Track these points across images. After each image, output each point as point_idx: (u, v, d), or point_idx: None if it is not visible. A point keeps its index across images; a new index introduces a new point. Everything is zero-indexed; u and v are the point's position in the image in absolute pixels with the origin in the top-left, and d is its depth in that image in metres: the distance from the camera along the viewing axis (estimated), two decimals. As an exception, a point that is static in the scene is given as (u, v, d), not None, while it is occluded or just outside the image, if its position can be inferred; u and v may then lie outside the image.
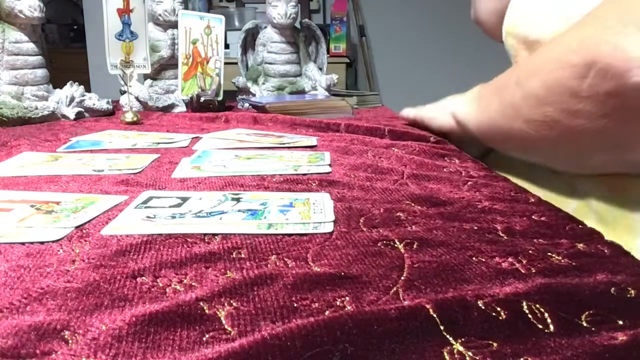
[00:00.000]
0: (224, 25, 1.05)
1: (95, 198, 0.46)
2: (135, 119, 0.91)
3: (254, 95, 1.18)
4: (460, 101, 0.68)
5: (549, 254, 0.35)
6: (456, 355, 0.25)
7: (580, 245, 0.36)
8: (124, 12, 0.91)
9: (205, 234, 0.38)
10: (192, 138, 0.77)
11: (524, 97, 0.51)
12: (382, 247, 0.36)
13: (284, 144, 0.71)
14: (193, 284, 0.31)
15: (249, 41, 1.23)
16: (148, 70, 0.98)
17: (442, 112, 0.74)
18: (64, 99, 0.98)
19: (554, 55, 0.49)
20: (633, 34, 0.41)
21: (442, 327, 0.26)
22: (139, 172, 0.57)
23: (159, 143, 0.73)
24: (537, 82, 0.49)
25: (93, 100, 1.02)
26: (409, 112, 0.86)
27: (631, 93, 0.41)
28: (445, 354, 0.25)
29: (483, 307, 0.27)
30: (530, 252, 0.35)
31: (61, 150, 0.69)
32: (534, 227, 0.39)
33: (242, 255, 0.35)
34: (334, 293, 0.30)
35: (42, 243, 0.36)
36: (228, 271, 0.32)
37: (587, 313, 0.28)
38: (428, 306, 0.27)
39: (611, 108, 0.44)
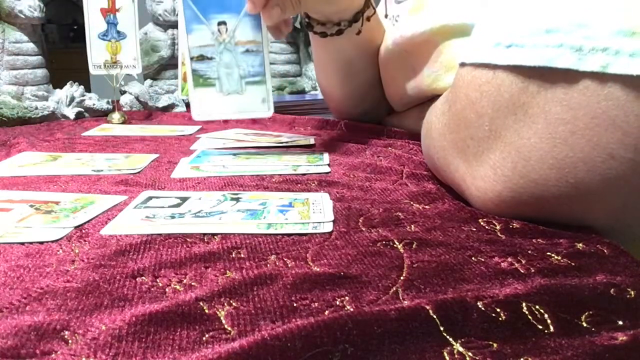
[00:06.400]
0: (223, 25, 1.04)
1: (95, 198, 0.46)
2: (122, 120, 0.91)
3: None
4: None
5: (548, 253, 0.35)
6: (456, 356, 0.25)
7: (580, 245, 0.36)
8: (109, 12, 0.91)
9: (204, 234, 0.38)
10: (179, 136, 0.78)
11: None
12: (382, 247, 0.36)
13: (281, 143, 0.71)
14: (193, 283, 0.31)
15: (249, 41, 1.23)
16: (138, 71, 0.97)
17: None
18: (64, 99, 0.98)
19: None
20: None
21: (442, 328, 0.26)
22: (138, 172, 0.57)
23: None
24: None
25: (93, 100, 1.01)
26: None
27: None
28: (446, 354, 0.25)
29: (483, 308, 0.27)
30: (529, 252, 0.35)
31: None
32: (532, 227, 0.39)
33: (242, 255, 0.35)
34: (334, 293, 0.30)
35: (41, 243, 0.36)
36: (228, 271, 0.32)
37: (587, 313, 0.28)
38: (428, 307, 0.27)
39: None
